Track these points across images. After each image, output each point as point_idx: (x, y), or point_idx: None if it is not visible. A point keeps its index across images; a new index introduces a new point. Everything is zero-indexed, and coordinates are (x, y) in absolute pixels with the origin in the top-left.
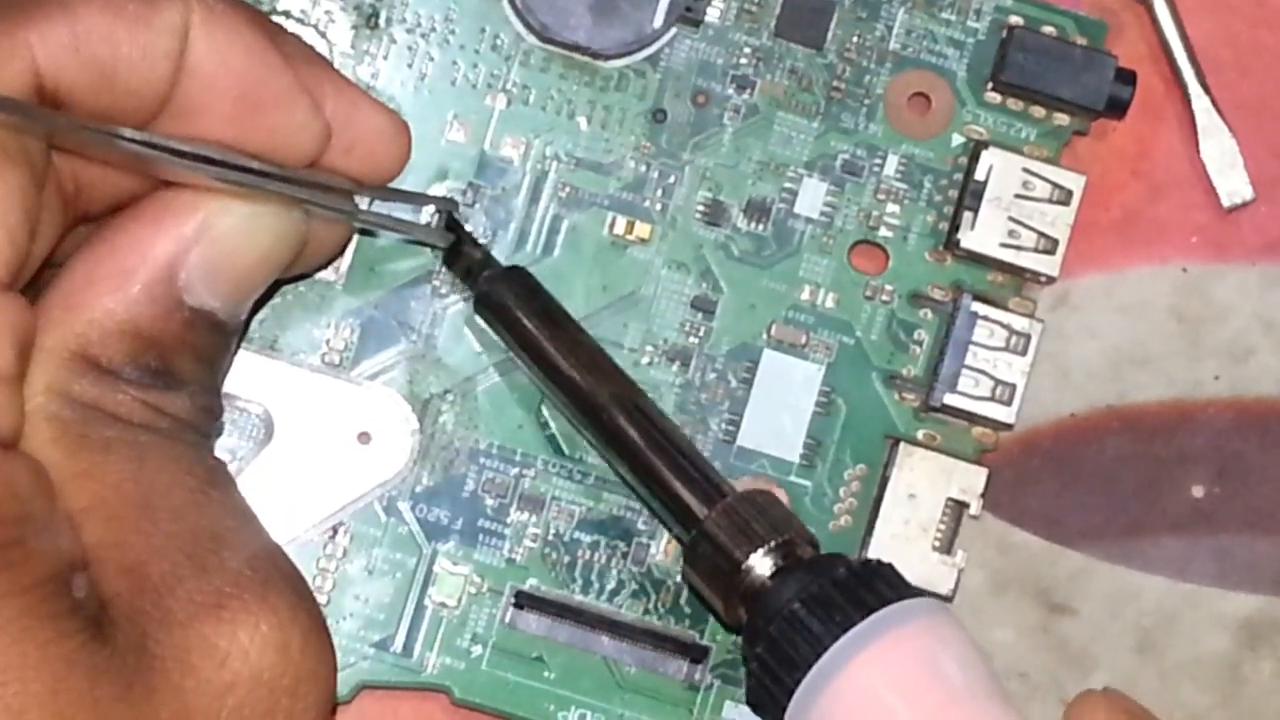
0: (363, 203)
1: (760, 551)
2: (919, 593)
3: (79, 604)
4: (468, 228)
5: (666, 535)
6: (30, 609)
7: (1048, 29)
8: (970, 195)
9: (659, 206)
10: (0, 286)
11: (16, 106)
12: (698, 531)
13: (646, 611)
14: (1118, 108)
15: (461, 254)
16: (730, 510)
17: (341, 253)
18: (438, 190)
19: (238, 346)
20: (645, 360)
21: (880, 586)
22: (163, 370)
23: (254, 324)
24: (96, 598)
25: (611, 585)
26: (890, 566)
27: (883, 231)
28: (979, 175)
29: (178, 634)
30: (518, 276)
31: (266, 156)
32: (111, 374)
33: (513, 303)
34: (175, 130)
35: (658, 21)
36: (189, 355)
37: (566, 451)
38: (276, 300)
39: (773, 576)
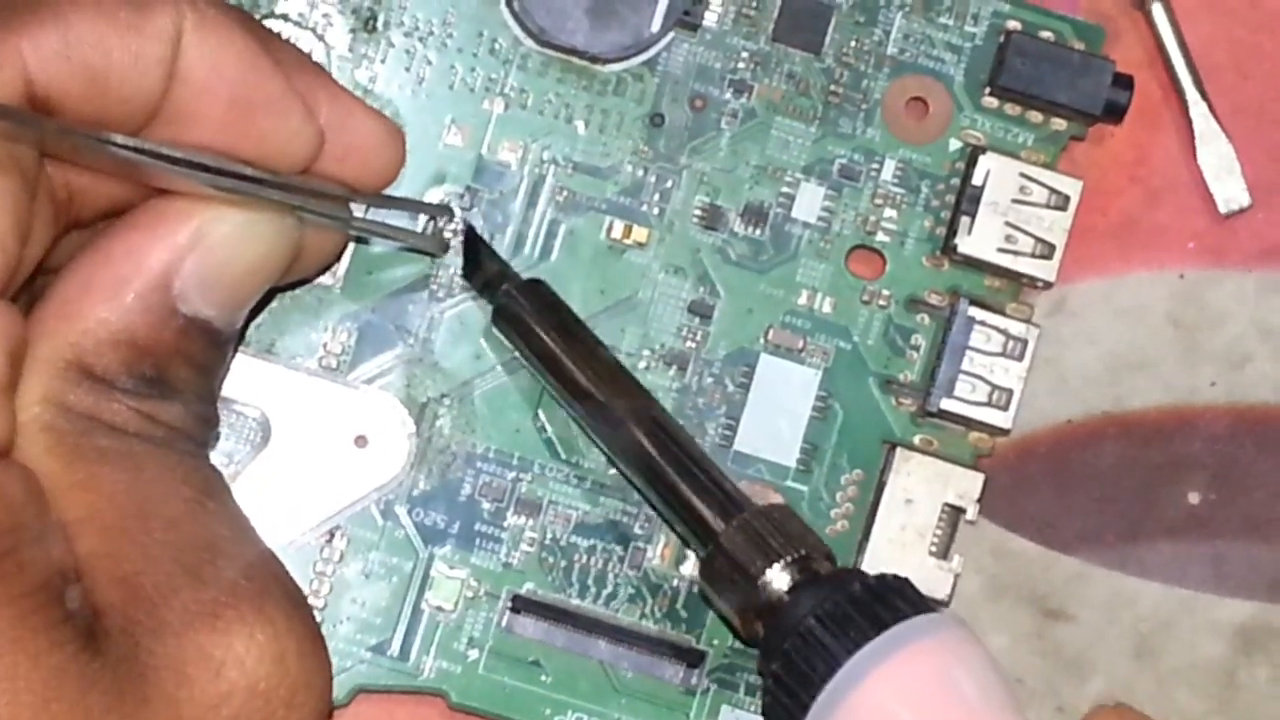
0: (358, 210)
1: (777, 566)
2: (934, 607)
3: (71, 614)
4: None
5: (663, 539)
6: (21, 619)
7: (1045, 34)
8: (967, 200)
9: (656, 211)
10: None
11: (6, 112)
12: (714, 546)
13: (643, 616)
14: (1115, 112)
15: (481, 266)
16: (747, 525)
17: (338, 259)
18: (435, 194)
19: (234, 354)
20: (642, 365)
21: (896, 602)
22: (158, 379)
23: (251, 327)
24: (90, 608)
25: (608, 589)
26: (907, 581)
27: (880, 236)
28: (976, 180)
29: (172, 644)
30: (537, 290)
31: (259, 163)
32: (107, 383)
33: (531, 316)
34: (167, 137)
35: (655, 25)
36: (184, 364)
37: (563, 455)
38: (274, 304)
39: (789, 592)
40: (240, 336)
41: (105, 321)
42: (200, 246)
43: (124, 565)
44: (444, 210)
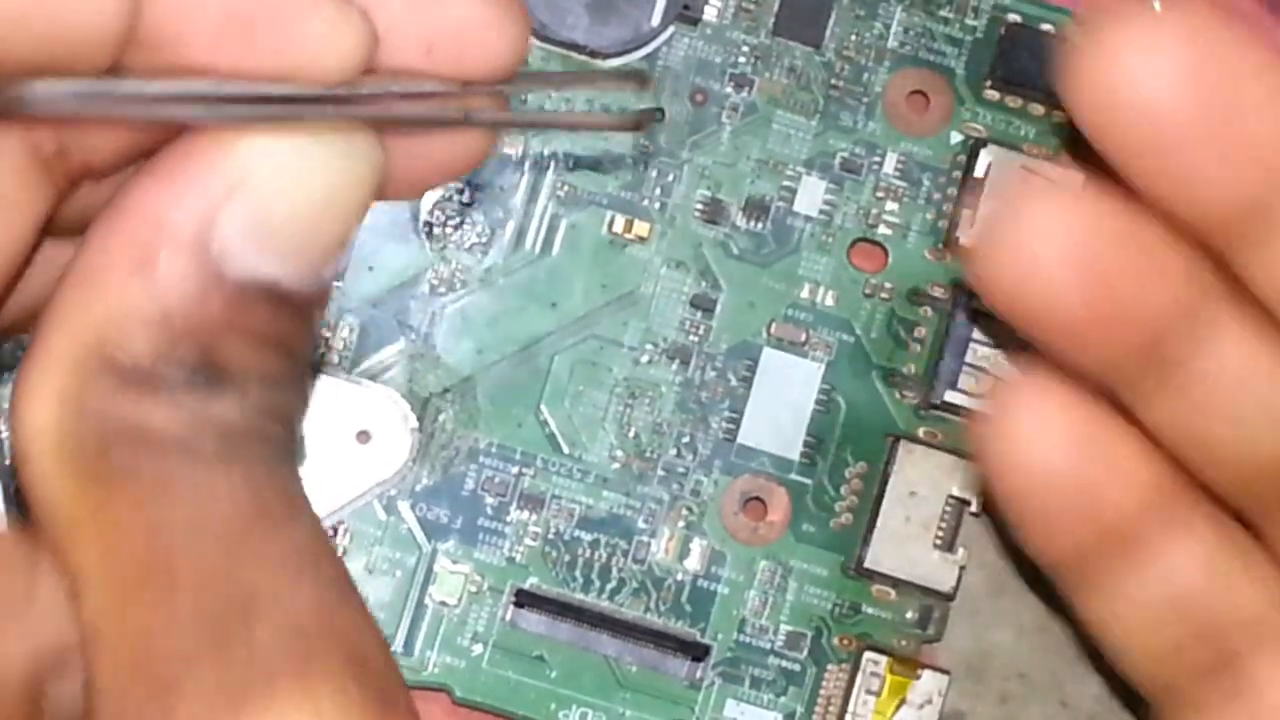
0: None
1: None
2: None
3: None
4: None
5: (667, 533)
6: None
7: (1046, 26)
8: (969, 193)
9: (658, 205)
10: None
11: None
12: None
13: (647, 610)
14: None
15: None
16: None
17: (483, 161)
18: (434, 190)
19: (320, 318)
20: (645, 359)
21: None
22: (205, 364)
23: None
24: (87, 693)
25: (612, 584)
26: None
27: (882, 229)
28: (978, 172)
29: None
30: None
31: (283, 80)
32: (138, 375)
33: None
34: (148, 65)
35: (655, 20)
36: (240, 341)
37: (566, 450)
38: None
39: None
40: (327, 297)
41: (130, 296)
42: (243, 189)
43: (133, 627)
44: (636, 76)
